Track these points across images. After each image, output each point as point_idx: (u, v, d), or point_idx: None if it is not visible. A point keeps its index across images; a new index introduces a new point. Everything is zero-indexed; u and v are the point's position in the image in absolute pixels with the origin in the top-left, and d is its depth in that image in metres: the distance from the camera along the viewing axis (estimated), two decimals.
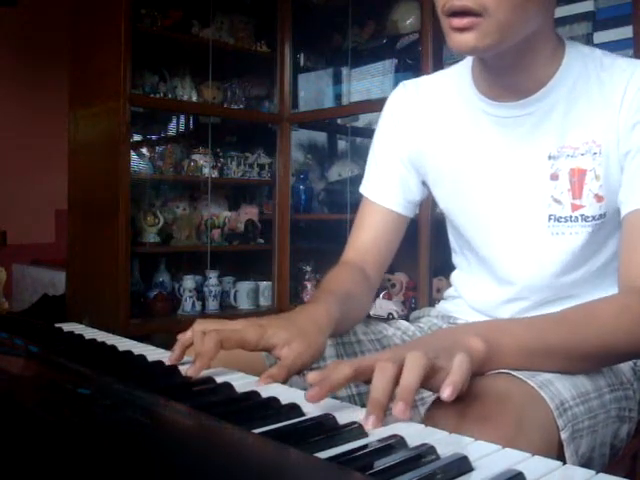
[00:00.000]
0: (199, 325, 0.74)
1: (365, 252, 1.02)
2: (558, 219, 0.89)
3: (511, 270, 0.94)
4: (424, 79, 1.04)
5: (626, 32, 1.90)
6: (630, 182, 0.84)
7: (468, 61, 0.96)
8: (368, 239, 1.02)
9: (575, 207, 0.88)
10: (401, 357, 0.58)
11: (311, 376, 0.59)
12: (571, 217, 0.88)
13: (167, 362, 0.74)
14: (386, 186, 1.03)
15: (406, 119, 1.02)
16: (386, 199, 1.02)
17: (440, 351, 0.60)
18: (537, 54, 0.86)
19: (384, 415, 0.54)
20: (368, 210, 1.04)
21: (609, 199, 0.86)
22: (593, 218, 0.87)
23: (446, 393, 0.55)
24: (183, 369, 0.70)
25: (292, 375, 0.73)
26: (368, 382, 0.60)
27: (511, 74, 0.87)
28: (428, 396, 0.85)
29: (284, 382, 0.71)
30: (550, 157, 0.88)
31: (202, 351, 0.70)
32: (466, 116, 0.95)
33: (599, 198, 0.86)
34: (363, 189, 1.06)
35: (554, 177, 0.88)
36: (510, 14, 0.76)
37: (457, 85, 0.97)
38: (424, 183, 1.03)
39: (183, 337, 0.75)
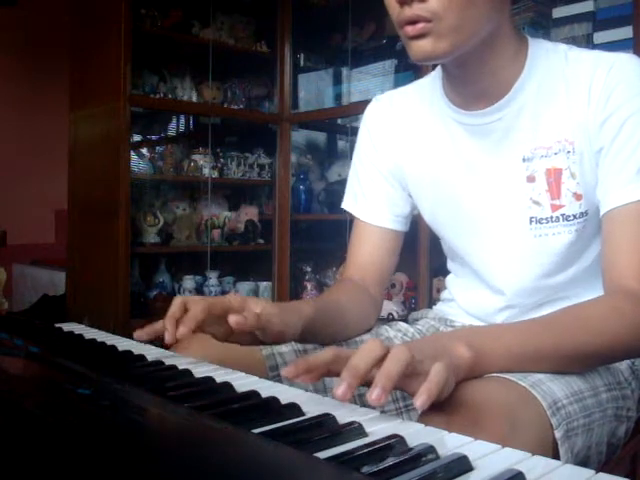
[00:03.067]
0: (179, 298, 0.75)
1: (364, 269, 1.02)
2: (539, 221, 0.88)
3: (499, 276, 0.94)
4: (398, 91, 1.04)
5: (626, 32, 1.90)
6: (605, 180, 0.83)
7: (438, 71, 0.95)
8: (365, 257, 1.03)
9: (555, 207, 0.87)
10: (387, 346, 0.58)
11: (286, 370, 0.59)
12: (552, 217, 0.88)
13: (135, 334, 0.75)
14: (374, 204, 1.03)
15: (382, 133, 1.02)
16: (376, 218, 1.02)
17: (426, 356, 0.60)
18: (499, 58, 0.85)
19: (355, 386, 0.55)
20: (361, 230, 1.04)
21: (588, 197, 0.86)
22: (574, 217, 0.87)
23: (419, 401, 0.54)
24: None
25: (260, 325, 0.74)
26: None
27: (476, 82, 0.87)
28: None
29: (254, 328, 0.73)
30: (524, 159, 0.88)
31: (190, 314, 0.70)
32: (440, 127, 0.95)
33: (578, 196, 0.86)
34: (348, 206, 1.06)
35: (530, 179, 0.88)
36: (460, 15, 0.77)
37: (429, 96, 0.97)
38: (411, 195, 1.03)
39: (169, 312, 0.75)
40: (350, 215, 1.07)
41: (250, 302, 0.76)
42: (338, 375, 0.58)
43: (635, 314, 0.76)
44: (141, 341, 0.77)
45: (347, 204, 1.07)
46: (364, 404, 0.57)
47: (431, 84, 0.98)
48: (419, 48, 0.79)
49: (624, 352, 0.78)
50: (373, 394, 0.53)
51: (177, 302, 0.74)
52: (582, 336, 0.73)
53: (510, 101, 0.87)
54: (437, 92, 0.95)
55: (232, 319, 0.69)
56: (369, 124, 1.04)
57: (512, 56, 0.86)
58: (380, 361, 0.56)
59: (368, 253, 1.02)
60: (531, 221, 0.89)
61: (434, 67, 0.99)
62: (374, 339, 0.61)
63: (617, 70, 0.82)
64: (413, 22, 0.78)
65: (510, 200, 0.90)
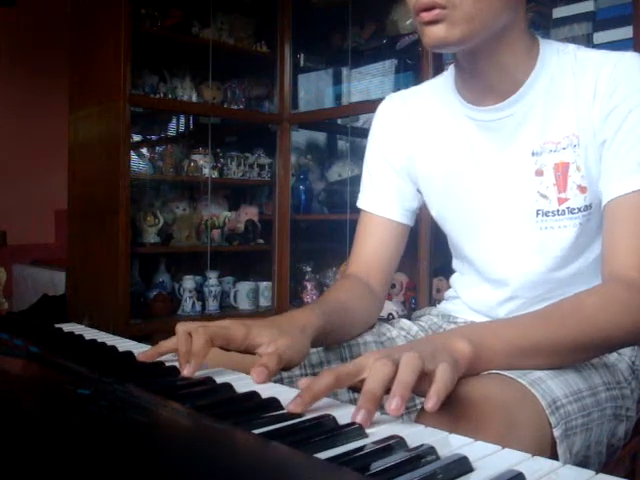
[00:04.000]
0: (182, 326, 0.74)
1: (368, 265, 1.02)
2: (546, 214, 0.90)
3: (505, 270, 0.95)
4: (410, 90, 1.06)
5: (626, 32, 1.90)
6: (607, 171, 0.85)
7: (451, 70, 0.98)
8: (370, 251, 1.02)
9: (561, 200, 0.89)
10: (395, 358, 0.58)
11: (302, 382, 0.59)
12: (558, 211, 0.89)
13: (138, 357, 0.74)
14: (383, 197, 1.04)
15: (395, 129, 1.03)
16: (384, 209, 1.03)
17: (427, 355, 0.60)
18: (511, 54, 0.87)
19: (375, 411, 0.54)
20: (367, 222, 1.04)
21: (592, 190, 0.87)
22: (579, 210, 0.88)
23: (430, 404, 0.54)
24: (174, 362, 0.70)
25: (282, 366, 0.73)
26: (352, 388, 0.60)
27: (488, 77, 0.89)
28: (420, 403, 0.85)
29: (276, 373, 0.71)
30: (534, 154, 0.90)
31: (194, 350, 0.70)
32: (452, 123, 0.97)
33: (582, 189, 0.88)
34: (360, 203, 1.07)
35: (539, 173, 0.90)
36: (475, 5, 0.79)
37: (441, 94, 0.99)
38: (419, 190, 1.04)
39: (164, 343, 0.75)
40: (352, 216, 1.07)
41: (254, 331, 0.75)
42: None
43: (632, 301, 0.77)
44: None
45: (360, 202, 1.07)
46: None
47: (444, 82, 1.00)
48: (432, 34, 0.82)
49: (622, 340, 0.79)
50: (392, 404, 0.53)
51: (182, 335, 0.72)
52: (580, 326, 0.74)
53: (521, 97, 0.89)
54: (450, 89, 0.97)
55: (255, 375, 0.67)
56: (382, 119, 1.06)
57: (524, 53, 0.89)
58: (392, 378, 0.56)
59: (374, 248, 1.03)
60: (537, 214, 0.90)
61: (435, 70, 1.00)
62: (378, 352, 0.61)
63: (623, 66, 0.84)
64: (429, 8, 0.80)
65: (518, 193, 0.92)
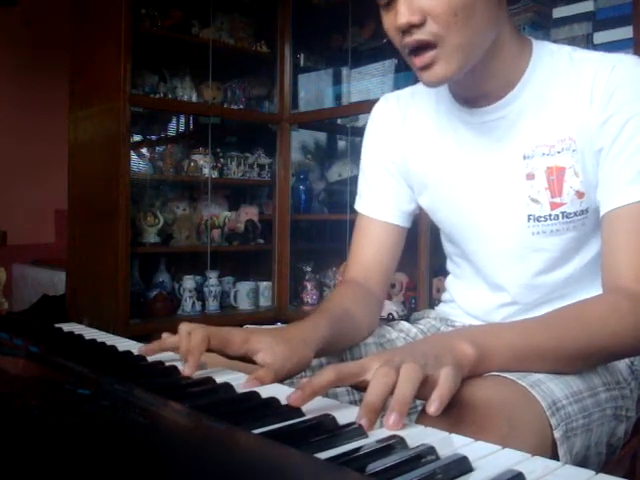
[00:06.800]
0: (185, 326, 0.75)
1: (367, 268, 1.01)
2: (537, 218, 0.89)
3: (499, 274, 0.95)
4: (405, 91, 1.05)
5: (626, 32, 1.90)
6: (606, 181, 0.84)
7: None
8: (369, 255, 1.02)
9: (554, 205, 0.88)
10: (397, 365, 0.58)
11: (303, 381, 0.59)
12: (550, 215, 0.88)
13: (136, 351, 0.75)
14: (379, 200, 1.03)
15: (389, 130, 1.03)
16: (381, 213, 1.03)
17: (430, 358, 0.60)
18: (502, 59, 0.86)
19: (376, 420, 0.54)
20: (365, 226, 1.04)
21: (589, 195, 0.86)
22: (575, 214, 0.87)
23: (433, 408, 0.54)
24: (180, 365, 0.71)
25: (278, 379, 0.71)
26: (352, 386, 0.60)
27: (480, 82, 0.88)
28: (420, 404, 0.85)
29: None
30: (525, 157, 0.89)
31: (191, 348, 0.71)
32: (445, 125, 0.96)
33: (580, 194, 0.87)
34: (357, 206, 1.06)
35: (530, 177, 0.89)
36: (462, 32, 0.78)
37: (435, 95, 0.98)
38: (414, 191, 1.04)
39: (167, 339, 0.76)
40: (352, 216, 1.07)
41: (254, 338, 0.75)
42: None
43: (633, 314, 0.76)
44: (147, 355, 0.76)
45: (357, 204, 1.07)
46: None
47: None
48: (431, 77, 0.81)
49: (623, 351, 0.79)
50: (390, 420, 0.53)
51: (183, 335, 0.73)
52: (582, 335, 0.74)
53: (514, 99, 0.88)
54: (443, 90, 0.96)
55: (249, 387, 0.66)
56: (376, 120, 1.05)
57: (515, 56, 0.88)
58: (393, 386, 0.56)
59: (372, 252, 1.02)
60: (529, 219, 0.90)
61: None
62: (381, 355, 0.61)
63: (620, 71, 0.83)
64: (417, 50, 0.80)
65: (508, 197, 0.91)
